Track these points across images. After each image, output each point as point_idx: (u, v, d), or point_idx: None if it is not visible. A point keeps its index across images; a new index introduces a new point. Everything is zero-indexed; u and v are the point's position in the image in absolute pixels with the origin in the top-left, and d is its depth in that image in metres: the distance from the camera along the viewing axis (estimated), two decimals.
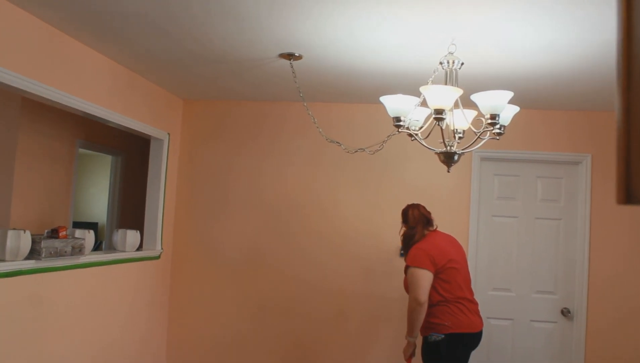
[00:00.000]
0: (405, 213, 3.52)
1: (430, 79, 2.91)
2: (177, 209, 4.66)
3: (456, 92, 2.46)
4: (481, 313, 3.44)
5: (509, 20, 2.58)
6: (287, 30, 2.88)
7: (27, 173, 4.53)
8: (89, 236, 3.48)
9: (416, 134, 2.79)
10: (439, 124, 2.53)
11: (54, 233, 3.20)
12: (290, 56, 3.28)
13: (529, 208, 4.38)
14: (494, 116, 2.50)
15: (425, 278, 3.24)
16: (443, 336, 3.23)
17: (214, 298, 4.57)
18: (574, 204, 4.33)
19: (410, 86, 3.29)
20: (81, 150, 5.47)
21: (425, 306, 3.22)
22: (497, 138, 2.66)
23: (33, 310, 2.99)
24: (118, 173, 6.19)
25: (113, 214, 6.16)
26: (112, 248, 4.11)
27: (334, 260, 4.45)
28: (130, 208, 6.00)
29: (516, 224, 4.39)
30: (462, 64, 2.74)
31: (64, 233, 3.22)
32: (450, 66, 2.72)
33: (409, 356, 3.42)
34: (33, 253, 2.95)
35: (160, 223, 4.38)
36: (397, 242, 4.17)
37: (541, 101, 4.05)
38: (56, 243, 3.10)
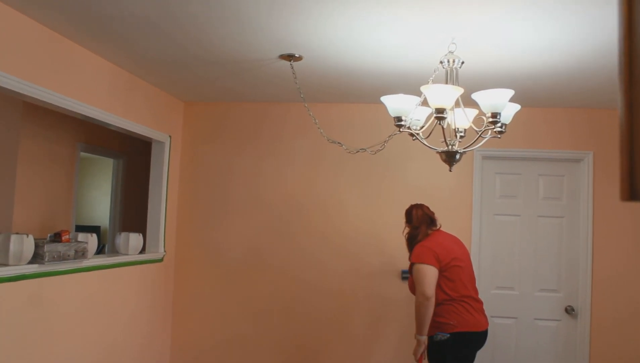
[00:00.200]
0: (409, 213, 3.52)
1: (431, 78, 2.91)
2: (179, 212, 4.66)
3: (457, 91, 2.46)
4: (485, 312, 3.43)
5: (509, 19, 2.58)
6: (287, 31, 2.88)
7: (29, 177, 4.54)
8: (92, 240, 3.48)
9: (417, 134, 2.78)
10: (440, 124, 2.53)
11: (56, 237, 3.20)
12: (290, 57, 3.28)
13: (531, 206, 4.38)
14: (495, 115, 2.50)
15: (430, 273, 3.23)
16: (449, 335, 3.22)
17: (216, 299, 4.57)
18: (576, 202, 4.32)
19: (411, 86, 3.29)
20: (82, 154, 5.47)
21: (433, 300, 3.21)
22: (499, 136, 2.66)
23: (36, 313, 2.99)
24: (120, 176, 6.19)
25: (115, 218, 6.16)
26: (114, 252, 4.12)
27: (336, 260, 4.44)
28: (132, 211, 6.01)
29: (518, 222, 4.38)
30: (463, 63, 2.74)
31: (67, 236, 3.22)
32: (451, 65, 2.72)
33: (420, 355, 3.40)
34: (36, 257, 2.95)
35: (163, 225, 4.38)
36: (400, 241, 4.16)
37: (542, 98, 4.04)
38: (59, 247, 3.10)
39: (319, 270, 4.46)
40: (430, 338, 3.33)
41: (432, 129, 2.80)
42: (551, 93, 3.88)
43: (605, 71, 3.26)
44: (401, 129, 2.68)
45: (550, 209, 4.36)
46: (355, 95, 4.20)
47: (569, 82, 3.59)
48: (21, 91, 2.77)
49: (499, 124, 2.54)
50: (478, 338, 3.31)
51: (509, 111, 2.66)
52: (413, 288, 3.39)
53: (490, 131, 2.63)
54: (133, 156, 6.15)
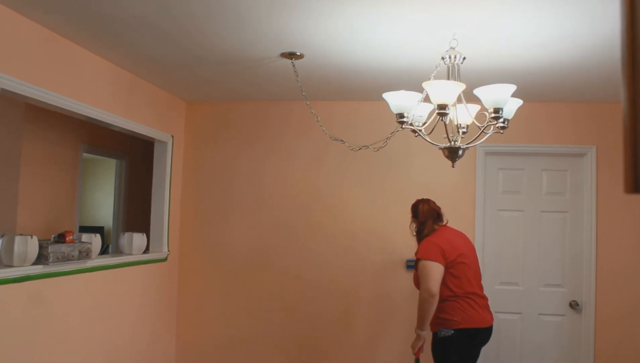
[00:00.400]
0: (416, 207, 3.52)
1: (433, 74, 2.90)
2: (182, 211, 4.66)
3: (459, 87, 2.46)
4: (490, 308, 3.43)
5: (510, 14, 2.58)
6: (288, 30, 2.88)
7: (32, 179, 4.55)
8: (96, 240, 3.48)
9: (420, 130, 2.78)
10: (442, 120, 2.53)
11: (60, 238, 3.20)
12: (291, 55, 3.28)
13: (535, 202, 4.37)
14: (497, 110, 2.50)
15: (436, 270, 3.23)
16: (453, 332, 3.22)
17: (220, 299, 4.58)
18: (579, 196, 4.31)
19: (413, 82, 3.29)
20: (85, 155, 5.48)
21: (437, 298, 3.20)
22: (501, 131, 2.66)
23: (41, 314, 3.00)
24: (123, 176, 6.20)
25: (119, 218, 6.18)
26: (118, 252, 4.12)
27: (340, 258, 4.44)
28: (136, 211, 6.01)
29: (522, 218, 4.38)
30: (464, 58, 2.73)
31: (71, 237, 3.23)
32: (452, 61, 2.71)
33: (418, 350, 3.42)
34: (40, 258, 2.96)
35: (166, 225, 4.39)
36: (404, 238, 4.17)
37: (545, 93, 4.03)
38: (63, 248, 3.11)
39: (323, 268, 4.46)
40: (434, 334, 3.33)
41: (435, 126, 2.79)
42: (553, 88, 3.88)
43: (607, 64, 3.25)
44: (403, 126, 2.67)
45: (553, 204, 4.35)
46: (357, 92, 4.19)
47: (571, 77, 3.58)
48: (23, 93, 2.77)
49: (501, 120, 2.53)
50: (483, 335, 3.31)
51: (511, 106, 2.66)
52: (418, 284, 3.39)
53: (492, 127, 2.62)
54: (136, 156, 6.16)
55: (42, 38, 2.92)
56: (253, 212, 4.58)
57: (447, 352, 3.26)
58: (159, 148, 4.41)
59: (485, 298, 3.37)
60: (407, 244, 4.33)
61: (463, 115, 2.75)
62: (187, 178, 4.68)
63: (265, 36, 2.99)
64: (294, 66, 3.44)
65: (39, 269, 2.93)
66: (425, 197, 3.59)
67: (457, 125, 2.76)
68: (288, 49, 3.20)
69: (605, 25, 2.65)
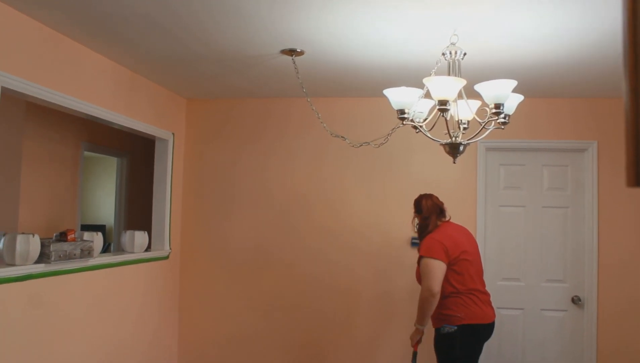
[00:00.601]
0: (419, 202, 3.50)
1: (433, 70, 2.90)
2: (184, 209, 4.67)
3: (459, 83, 2.45)
4: (492, 304, 3.43)
5: (511, 10, 2.57)
6: (288, 26, 2.88)
7: (33, 177, 4.55)
8: (97, 239, 3.49)
9: (421, 126, 2.78)
10: (443, 116, 2.52)
11: (62, 236, 3.21)
12: (292, 52, 3.28)
13: (536, 197, 4.37)
14: (498, 106, 2.49)
15: (439, 268, 3.22)
16: (456, 328, 3.22)
17: (223, 296, 4.58)
18: (581, 192, 4.31)
19: (414, 78, 3.28)
20: (86, 153, 5.48)
21: (438, 296, 3.20)
22: (502, 127, 2.66)
23: (43, 313, 3.00)
24: (124, 174, 6.21)
25: (120, 216, 6.18)
26: (120, 250, 4.13)
27: (342, 255, 4.45)
28: (137, 209, 6.02)
29: (523, 213, 4.38)
30: (465, 54, 2.73)
31: (73, 236, 3.24)
32: (453, 56, 2.71)
33: (416, 343, 3.42)
34: (42, 257, 2.97)
35: (168, 223, 4.39)
36: (406, 235, 4.18)
37: (545, 89, 4.03)
38: (65, 246, 3.11)
39: (325, 265, 4.46)
40: (437, 330, 3.33)
41: (436, 122, 2.79)
42: (554, 83, 3.87)
43: (608, 59, 3.24)
44: (404, 122, 2.67)
45: (555, 200, 4.35)
46: (357, 89, 4.19)
47: (572, 72, 3.57)
48: (24, 91, 2.77)
49: (502, 115, 2.53)
50: (485, 330, 3.31)
51: (512, 102, 2.66)
52: (420, 279, 3.39)
53: (493, 122, 2.62)
54: (137, 154, 6.17)
55: (42, 36, 2.92)
56: (254, 209, 4.58)
57: (451, 348, 3.25)
58: (159, 145, 4.41)
59: (487, 294, 3.37)
60: (409, 241, 4.33)
61: (464, 111, 2.75)
62: (188, 175, 4.69)
63: (265, 33, 2.98)
64: (294, 63, 3.43)
65: (40, 268, 2.93)
66: (427, 193, 3.58)
67: (458, 121, 2.76)
68: (288, 45, 3.19)
69: (606, 20, 2.65)
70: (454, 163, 2.80)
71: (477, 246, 3.51)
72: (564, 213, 4.33)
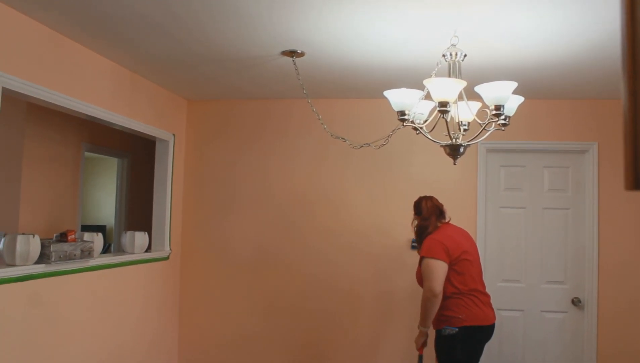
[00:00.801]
0: (418, 204, 3.50)
1: (434, 72, 2.90)
2: (184, 210, 4.67)
3: (460, 84, 2.45)
4: (492, 306, 3.42)
5: (511, 11, 2.57)
6: (289, 28, 2.88)
7: (34, 178, 4.56)
8: (98, 239, 3.49)
9: (421, 128, 2.78)
10: (443, 117, 2.52)
11: (62, 237, 3.21)
12: (292, 53, 3.28)
13: (537, 199, 4.37)
14: (498, 107, 2.49)
15: (440, 268, 3.22)
16: (457, 329, 3.21)
17: (223, 297, 4.58)
18: (581, 193, 4.31)
19: (414, 80, 3.28)
20: (87, 153, 5.49)
21: (440, 297, 3.19)
22: (502, 128, 2.66)
23: (43, 314, 3.00)
24: (124, 175, 6.21)
25: (121, 217, 6.18)
26: (120, 251, 4.13)
27: (342, 255, 4.44)
28: (137, 210, 6.02)
29: (524, 215, 4.38)
30: (465, 56, 2.73)
31: (73, 236, 3.24)
32: (453, 58, 2.71)
33: (421, 346, 3.41)
34: (43, 257, 2.97)
35: (168, 223, 4.39)
36: (406, 235, 4.17)
37: (546, 90, 4.03)
38: (65, 247, 3.11)
39: (326, 265, 4.46)
40: (438, 332, 3.32)
41: (436, 123, 2.79)
42: (555, 84, 3.87)
43: (608, 60, 3.24)
44: (405, 124, 2.67)
45: (555, 201, 4.35)
46: (358, 90, 4.19)
47: (572, 73, 3.57)
48: (24, 92, 2.77)
49: (502, 117, 2.53)
50: (486, 332, 3.30)
51: (512, 104, 2.66)
52: (421, 280, 3.39)
53: (494, 124, 2.62)
54: (137, 155, 6.17)
55: (43, 37, 2.92)
56: (255, 210, 4.58)
57: (451, 349, 3.24)
58: (160, 146, 4.41)
59: (487, 295, 3.37)
60: (409, 242, 4.33)
61: (464, 112, 2.75)
62: (188, 176, 4.69)
63: (266, 34, 2.99)
64: (294, 64, 3.44)
65: (41, 268, 2.93)
66: (427, 194, 3.58)
67: (458, 122, 2.76)
68: (289, 47, 3.19)
69: (606, 21, 2.65)
70: (454, 164, 2.80)
71: (477, 248, 3.51)
72: (565, 215, 4.33)
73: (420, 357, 3.48)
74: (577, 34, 2.85)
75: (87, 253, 3.28)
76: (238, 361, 4.53)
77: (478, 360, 3.32)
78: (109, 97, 3.56)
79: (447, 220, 3.48)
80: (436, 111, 2.52)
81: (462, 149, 2.70)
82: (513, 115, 2.69)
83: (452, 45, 2.71)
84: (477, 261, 3.40)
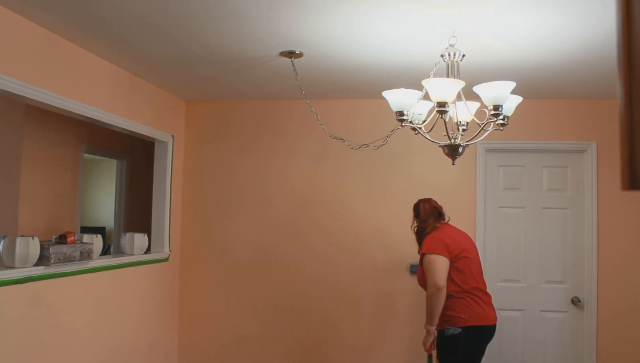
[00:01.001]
0: (417, 207, 3.53)
1: (432, 72, 2.90)
2: (183, 211, 4.67)
3: (458, 85, 2.46)
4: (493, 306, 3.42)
5: (510, 11, 2.57)
6: (287, 29, 2.88)
7: (33, 180, 4.55)
8: (97, 241, 3.49)
9: (420, 128, 2.78)
10: (442, 117, 2.53)
11: (62, 239, 3.21)
12: (291, 54, 3.28)
13: (536, 198, 4.37)
14: (497, 107, 2.50)
15: (442, 263, 3.23)
16: (460, 330, 3.20)
17: (223, 298, 4.58)
18: (580, 192, 4.31)
19: (413, 80, 3.28)
20: (86, 155, 5.49)
21: (444, 291, 3.19)
22: (501, 128, 2.66)
23: (43, 315, 3.00)
24: (124, 176, 6.21)
25: (120, 218, 6.18)
26: (120, 252, 4.13)
27: (342, 256, 4.44)
28: (137, 211, 6.02)
29: (523, 214, 4.38)
30: (464, 56, 2.73)
31: (72, 238, 3.23)
32: (452, 58, 2.71)
33: (430, 346, 3.40)
34: (42, 259, 2.97)
35: (168, 225, 4.39)
36: (406, 235, 4.16)
37: (544, 90, 4.03)
38: (65, 249, 3.11)
39: (325, 266, 4.46)
40: (440, 332, 3.31)
41: (435, 123, 2.79)
42: (553, 84, 3.87)
43: (607, 61, 3.24)
44: (403, 124, 2.67)
45: (554, 201, 4.35)
46: (356, 91, 4.19)
47: (571, 73, 3.57)
48: (23, 94, 2.77)
49: (501, 117, 2.53)
50: (488, 332, 3.30)
51: (511, 103, 2.66)
52: (422, 282, 3.39)
53: (492, 124, 2.62)
54: (136, 156, 6.16)
55: (42, 39, 2.92)
56: (254, 211, 4.58)
57: (454, 350, 3.23)
58: (159, 147, 4.41)
59: (489, 295, 3.37)
60: (409, 241, 4.33)
61: (463, 112, 2.75)
62: (187, 177, 4.69)
63: (264, 35, 2.99)
64: (293, 65, 3.44)
65: (40, 270, 2.93)
66: (426, 196, 3.59)
67: (456, 122, 2.76)
68: (287, 47, 3.20)
69: (605, 21, 2.65)
70: (453, 164, 2.80)
71: (476, 248, 3.51)
72: (564, 214, 4.33)
73: (430, 357, 3.46)
74: (576, 34, 2.85)
75: (86, 255, 3.28)
76: (238, 362, 4.52)
77: (480, 360, 3.32)
78: (107, 99, 3.56)
79: (446, 221, 3.49)
80: (435, 111, 2.53)
81: (460, 149, 2.71)
82: (512, 115, 2.69)
83: (450, 45, 2.72)
84: (477, 260, 3.41)
